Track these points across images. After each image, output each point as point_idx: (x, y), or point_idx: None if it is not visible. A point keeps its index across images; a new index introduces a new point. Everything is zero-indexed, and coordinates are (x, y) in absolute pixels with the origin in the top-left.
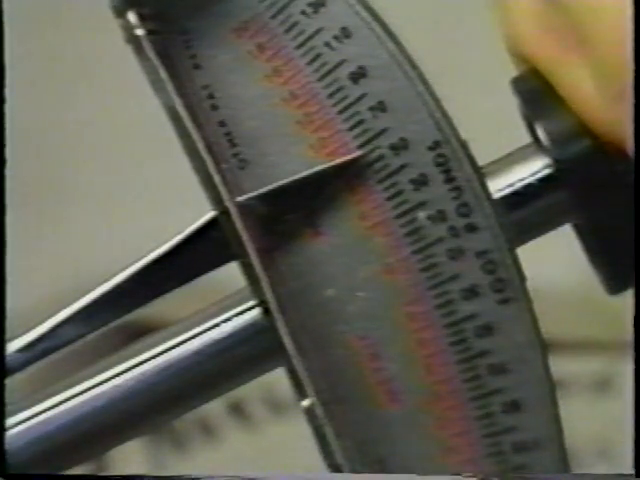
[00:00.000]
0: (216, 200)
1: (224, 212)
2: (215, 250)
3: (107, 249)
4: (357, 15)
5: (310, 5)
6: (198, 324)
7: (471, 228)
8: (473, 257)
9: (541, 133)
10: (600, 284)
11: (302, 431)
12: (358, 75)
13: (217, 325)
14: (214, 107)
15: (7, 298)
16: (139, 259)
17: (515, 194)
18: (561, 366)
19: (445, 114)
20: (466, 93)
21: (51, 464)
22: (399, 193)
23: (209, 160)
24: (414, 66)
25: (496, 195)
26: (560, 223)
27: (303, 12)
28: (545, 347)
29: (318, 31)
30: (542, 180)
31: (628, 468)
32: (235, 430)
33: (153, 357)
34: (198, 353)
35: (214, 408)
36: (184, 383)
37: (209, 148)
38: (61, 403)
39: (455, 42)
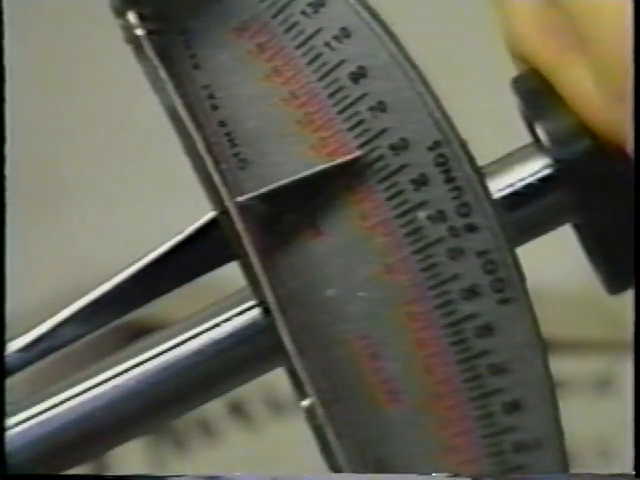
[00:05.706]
0: (216, 200)
1: (224, 212)
2: (215, 250)
3: (107, 249)
4: (357, 15)
5: (310, 5)
6: (198, 324)
7: (471, 228)
8: (473, 257)
9: (541, 133)
10: (600, 284)
11: (302, 431)
12: (358, 75)
13: (217, 325)
14: (214, 107)
15: (7, 298)
16: (139, 259)
17: (515, 194)
18: (561, 366)
19: (445, 114)
20: (466, 93)
21: (51, 464)
22: (399, 193)
23: (209, 160)
24: (414, 66)
25: (496, 195)
26: (560, 223)
27: (303, 12)
28: (545, 347)
29: (318, 31)
30: (542, 180)
31: (628, 468)
32: (235, 430)
33: (153, 357)
34: (198, 353)
35: (214, 408)
36: (184, 383)
37: (209, 148)
38: (61, 403)
39: (455, 42)
